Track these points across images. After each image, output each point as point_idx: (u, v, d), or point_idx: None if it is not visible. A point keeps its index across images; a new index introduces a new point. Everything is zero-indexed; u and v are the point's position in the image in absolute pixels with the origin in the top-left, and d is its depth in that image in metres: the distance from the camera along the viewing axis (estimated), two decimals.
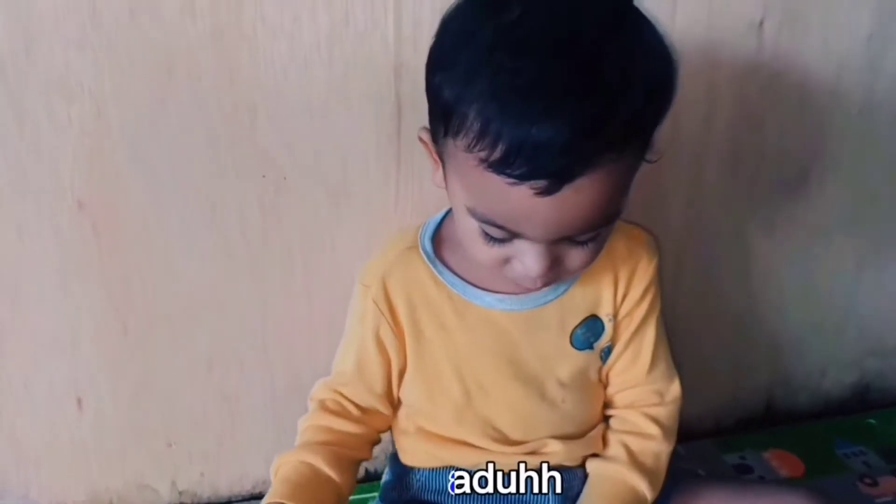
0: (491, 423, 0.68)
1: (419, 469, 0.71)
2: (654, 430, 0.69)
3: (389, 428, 0.73)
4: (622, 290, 0.68)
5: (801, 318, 1.01)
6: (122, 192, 0.75)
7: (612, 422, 0.71)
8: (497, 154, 0.50)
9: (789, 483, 0.69)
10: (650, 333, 0.70)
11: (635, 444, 0.69)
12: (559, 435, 0.68)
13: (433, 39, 0.56)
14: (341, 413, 0.68)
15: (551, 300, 0.67)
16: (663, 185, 0.89)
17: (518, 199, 0.51)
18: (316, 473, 0.64)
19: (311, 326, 0.84)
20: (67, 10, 0.68)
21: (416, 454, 0.71)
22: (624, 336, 0.69)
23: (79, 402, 0.83)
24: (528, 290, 0.65)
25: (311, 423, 0.69)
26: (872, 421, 1.04)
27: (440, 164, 0.60)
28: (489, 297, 0.66)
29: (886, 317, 1.05)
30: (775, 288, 0.99)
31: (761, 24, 0.83)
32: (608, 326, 0.68)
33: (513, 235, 0.56)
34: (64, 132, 0.72)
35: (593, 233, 0.56)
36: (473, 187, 0.54)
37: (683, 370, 0.96)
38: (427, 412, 0.69)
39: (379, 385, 0.69)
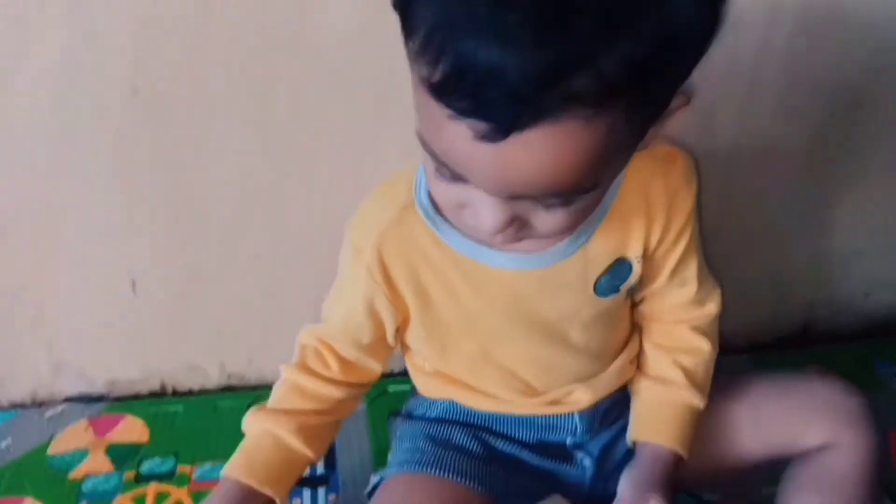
0: (512, 374, 0.65)
1: (440, 399, 0.69)
2: (704, 344, 0.67)
3: (378, 380, 0.69)
4: (658, 232, 0.60)
5: (847, 239, 0.98)
6: (176, 80, 0.75)
7: (657, 335, 0.68)
8: (437, 75, 0.40)
9: (826, 377, 0.68)
10: (693, 260, 0.64)
11: (689, 361, 0.67)
12: (584, 377, 0.66)
13: None
14: (321, 373, 0.65)
15: (571, 253, 0.58)
16: (712, 104, 0.85)
17: (455, 137, 0.41)
18: (281, 447, 0.63)
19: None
20: None
21: (435, 391, 0.69)
22: (666, 270, 0.64)
23: (133, 284, 0.86)
24: (544, 247, 0.58)
25: (288, 379, 0.66)
26: None
27: None
28: (499, 257, 0.58)
29: None
30: (824, 207, 0.96)
31: None
32: (636, 267, 0.61)
33: (457, 178, 0.46)
34: (119, 15, 0.71)
35: (562, 199, 0.46)
36: (419, 108, 0.45)
37: (725, 286, 0.96)
38: (442, 370, 0.67)
39: (367, 339, 0.64)
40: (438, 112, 0.41)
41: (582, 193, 0.46)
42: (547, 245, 0.58)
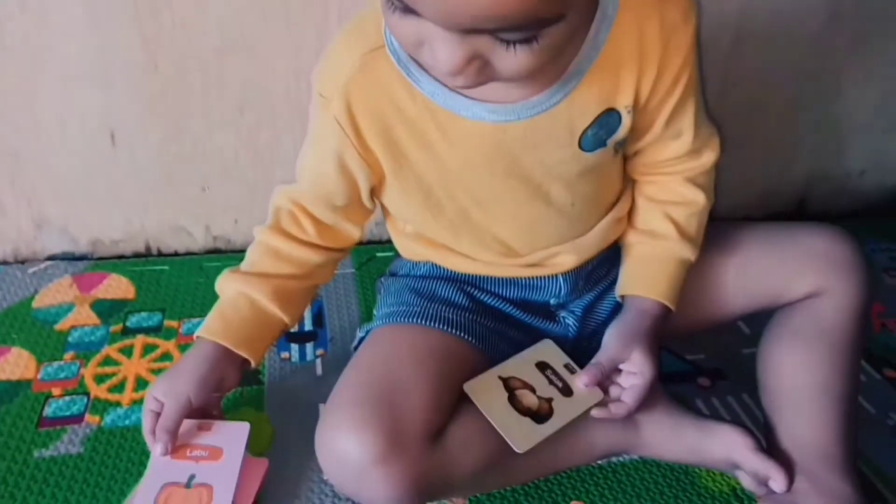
0: (493, 236, 0.62)
1: (422, 262, 0.68)
2: (698, 195, 0.64)
3: (356, 244, 0.66)
4: (651, 78, 0.55)
5: (851, 112, 0.96)
6: None
7: (649, 188, 0.65)
8: None
9: (818, 226, 0.65)
10: (689, 109, 0.59)
11: (682, 214, 0.64)
12: (568, 238, 0.63)
13: None
14: (296, 236, 0.62)
15: (557, 102, 0.54)
16: None
17: None
18: (257, 310, 0.61)
19: None
20: None
21: (416, 253, 0.67)
22: (659, 121, 0.59)
23: (112, 136, 0.82)
24: (527, 95, 0.54)
25: (262, 241, 0.63)
26: None
27: None
28: (478, 108, 0.54)
29: None
30: (830, 80, 0.93)
31: None
32: (626, 119, 0.56)
33: (407, 10, 0.43)
34: None
35: (521, 34, 0.43)
36: None
37: (722, 160, 0.94)
38: (423, 232, 0.64)
39: (341, 202, 0.61)
40: None
41: (543, 27, 0.42)
42: (526, 92, 0.53)
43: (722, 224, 0.67)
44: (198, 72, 0.79)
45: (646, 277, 0.64)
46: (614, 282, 0.66)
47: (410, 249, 0.67)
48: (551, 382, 0.60)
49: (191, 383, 0.59)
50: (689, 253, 0.64)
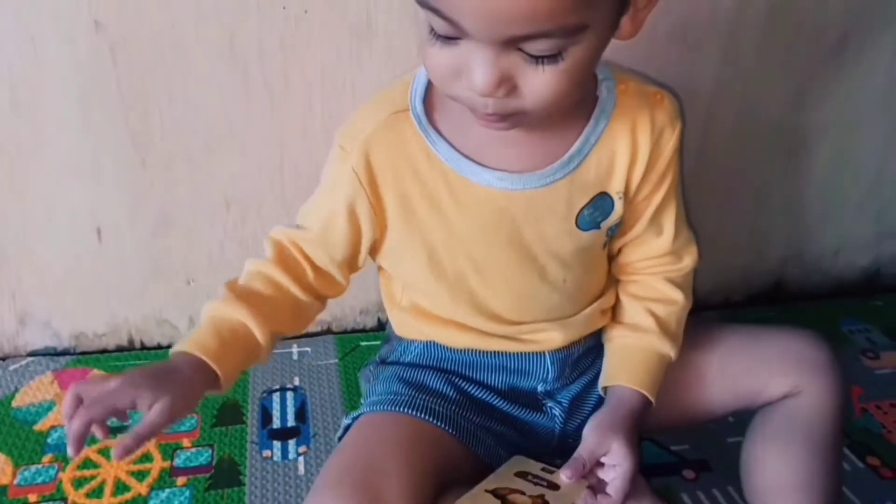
0: (487, 305, 0.63)
1: (414, 341, 0.68)
2: (678, 295, 0.66)
3: (338, 295, 0.66)
4: (641, 168, 0.60)
5: (823, 194, 0.99)
6: (140, 15, 0.72)
7: (632, 287, 0.67)
8: None
9: (795, 329, 0.67)
10: (672, 208, 0.64)
11: (662, 311, 0.65)
12: (557, 317, 0.64)
13: None
14: (294, 274, 0.62)
15: (561, 178, 0.59)
16: (695, 51, 0.85)
17: None
18: (244, 334, 0.58)
19: None
20: None
21: (409, 329, 0.67)
22: (645, 216, 0.63)
23: (98, 232, 0.83)
24: (533, 168, 0.58)
25: (262, 270, 0.62)
26: (880, 303, 1.04)
27: None
28: (488, 175, 0.58)
29: None
30: (800, 161, 0.96)
31: None
32: (618, 205, 0.61)
33: (456, 28, 0.47)
34: None
35: (550, 43, 0.47)
36: None
37: (700, 243, 0.96)
38: (421, 288, 0.65)
39: (340, 254, 0.62)
40: None
41: (573, 35, 0.47)
42: (534, 162, 0.58)
43: (703, 323, 0.68)
44: (185, 168, 0.81)
45: (625, 367, 0.64)
46: (599, 374, 0.66)
47: (405, 323, 0.68)
48: (537, 483, 0.59)
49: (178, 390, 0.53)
50: (668, 349, 0.65)
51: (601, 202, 0.60)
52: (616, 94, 0.59)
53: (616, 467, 0.58)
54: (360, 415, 0.64)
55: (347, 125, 0.60)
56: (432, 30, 0.48)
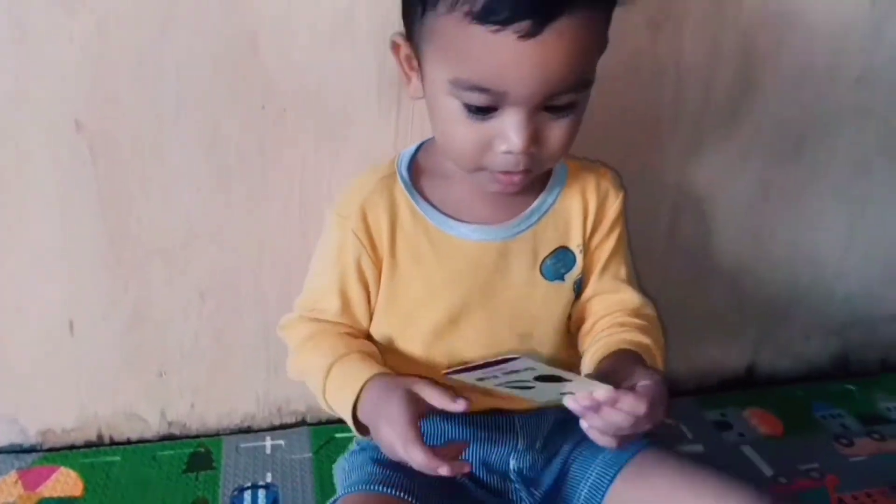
0: (459, 355, 0.68)
1: None
2: (641, 322, 0.71)
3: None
4: (591, 222, 0.70)
5: (790, 283, 1.01)
6: (121, 116, 0.74)
7: (596, 327, 0.71)
8: (480, 3, 0.53)
9: (739, 480, 0.64)
10: (623, 265, 0.73)
11: (626, 321, 0.70)
12: None
13: None
14: (326, 322, 0.69)
15: (524, 230, 0.68)
16: (660, 146, 0.88)
17: (503, 47, 0.53)
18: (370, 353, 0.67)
19: (306, 264, 0.82)
20: None
21: None
22: (597, 266, 0.71)
23: (71, 325, 0.82)
24: (502, 221, 0.67)
25: (316, 332, 0.69)
26: (851, 387, 1.05)
27: (412, 73, 0.62)
28: (464, 228, 0.67)
29: (873, 286, 1.05)
30: (766, 252, 0.99)
31: None
32: (578, 258, 0.70)
33: (496, 99, 0.56)
34: (64, 48, 0.70)
35: (571, 96, 0.57)
36: (458, 51, 0.56)
37: (670, 331, 0.96)
38: (396, 346, 0.70)
39: (364, 323, 0.70)
40: (483, 35, 0.53)
41: (585, 89, 0.59)
42: (505, 214, 0.67)
43: (650, 450, 0.67)
44: (161, 263, 0.81)
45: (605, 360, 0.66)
46: (568, 463, 0.68)
47: None
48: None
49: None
50: (642, 338, 0.68)
51: (563, 254, 0.70)
52: (567, 167, 0.71)
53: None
54: (336, 500, 0.65)
55: (342, 198, 0.69)
56: (468, 109, 0.57)
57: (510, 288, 0.68)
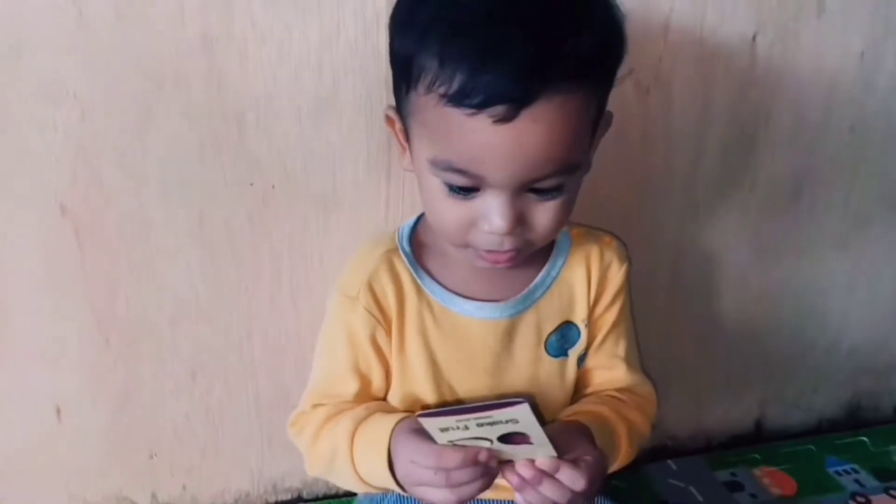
0: None
1: (387, 495, 0.69)
2: (623, 398, 0.70)
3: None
4: (594, 292, 0.68)
5: (793, 337, 1.00)
6: (107, 199, 0.73)
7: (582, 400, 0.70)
8: (455, 86, 0.52)
9: None
10: (623, 340, 0.71)
11: (605, 394, 0.70)
12: None
13: (392, 10, 0.59)
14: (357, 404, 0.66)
15: (529, 307, 0.66)
16: (656, 205, 0.87)
17: (479, 131, 0.52)
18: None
19: (297, 339, 0.82)
20: (55, 13, 0.66)
21: None
22: (597, 339, 0.70)
23: (58, 411, 0.80)
24: (506, 298, 0.66)
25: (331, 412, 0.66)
26: (865, 439, 1.02)
27: (406, 145, 0.61)
28: (468, 305, 0.65)
29: (878, 335, 1.03)
30: (768, 307, 0.97)
31: (754, 38, 0.82)
32: (583, 333, 0.68)
33: (476, 181, 0.55)
34: (49, 136, 0.70)
35: (556, 180, 0.55)
36: (436, 132, 0.55)
37: (676, 388, 0.96)
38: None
39: (378, 383, 0.67)
40: (458, 118, 0.52)
41: (571, 173, 0.56)
42: (509, 290, 0.66)
43: None
44: (150, 342, 0.79)
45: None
46: None
47: None
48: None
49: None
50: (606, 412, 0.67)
51: (567, 330, 0.68)
52: (570, 236, 0.69)
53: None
54: None
55: (344, 277, 0.67)
56: (450, 188, 0.56)
57: (515, 367, 0.67)
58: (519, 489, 0.55)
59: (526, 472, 0.54)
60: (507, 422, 0.51)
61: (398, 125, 0.62)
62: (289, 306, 0.81)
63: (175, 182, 0.74)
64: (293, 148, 0.75)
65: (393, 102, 0.62)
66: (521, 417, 0.51)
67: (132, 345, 0.79)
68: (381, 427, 0.61)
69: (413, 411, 0.66)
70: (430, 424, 0.53)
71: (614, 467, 0.67)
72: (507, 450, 0.54)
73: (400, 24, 0.57)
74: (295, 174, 0.76)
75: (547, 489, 0.54)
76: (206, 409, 0.84)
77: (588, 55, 0.53)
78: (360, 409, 0.64)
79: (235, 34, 0.69)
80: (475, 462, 0.54)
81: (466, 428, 0.52)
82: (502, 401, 0.52)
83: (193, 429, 0.84)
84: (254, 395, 0.84)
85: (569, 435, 0.60)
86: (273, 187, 0.76)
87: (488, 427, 0.52)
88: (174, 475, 0.86)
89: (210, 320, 0.80)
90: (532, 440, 0.53)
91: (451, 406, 0.60)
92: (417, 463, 0.56)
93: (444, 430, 0.53)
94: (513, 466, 0.55)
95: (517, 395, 0.60)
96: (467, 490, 0.54)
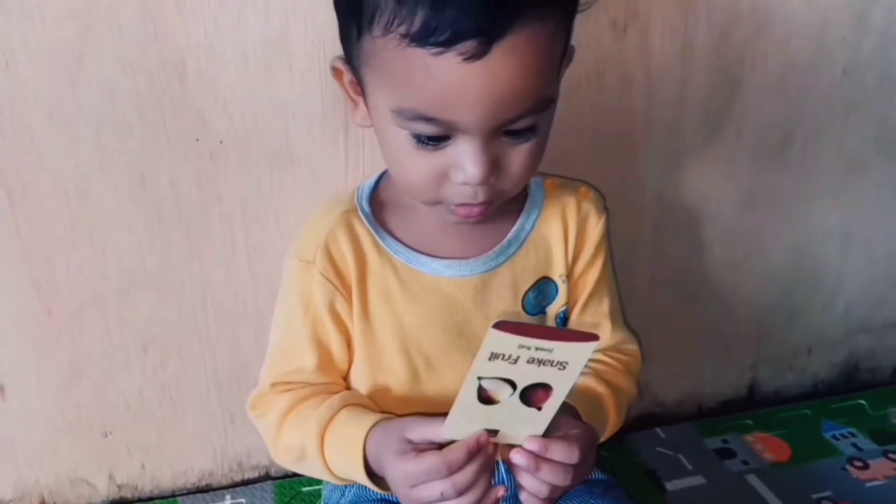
0: (439, 404, 0.61)
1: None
2: (611, 361, 0.69)
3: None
4: (573, 247, 0.66)
5: (786, 294, 0.97)
6: (39, 159, 0.69)
7: None
8: (417, 23, 0.48)
9: None
10: (606, 298, 0.69)
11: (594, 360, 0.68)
12: None
13: None
14: (316, 393, 0.62)
15: (503, 262, 0.63)
16: (637, 157, 0.83)
17: (447, 71, 0.48)
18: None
19: (256, 307, 0.78)
20: None
21: None
22: (581, 298, 0.68)
23: (1, 389, 0.76)
24: (477, 253, 0.63)
25: (296, 399, 0.62)
26: (862, 401, 1.00)
27: (358, 98, 0.57)
28: (436, 264, 0.62)
29: (876, 291, 1.00)
30: (758, 263, 0.94)
31: None
32: (562, 289, 0.66)
33: (447, 128, 0.51)
34: None
35: (531, 119, 0.52)
36: (398, 78, 0.51)
37: (663, 353, 0.93)
38: (371, 395, 0.64)
39: (345, 370, 0.64)
40: (423, 59, 0.48)
41: (543, 110, 0.53)
42: (479, 246, 0.63)
43: None
44: (96, 314, 0.76)
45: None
46: None
47: None
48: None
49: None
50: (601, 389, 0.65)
51: (544, 286, 0.66)
52: (544, 187, 0.67)
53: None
54: None
55: (299, 241, 0.65)
56: (417, 139, 0.53)
57: (489, 325, 0.62)
58: (520, 480, 0.53)
59: (521, 459, 0.52)
60: (558, 363, 0.49)
61: (347, 77, 0.58)
62: (244, 272, 0.77)
63: (111, 140, 0.69)
64: (241, 100, 0.70)
65: (340, 51, 0.58)
66: (577, 359, 0.49)
67: (76, 316, 0.75)
68: (351, 435, 0.58)
69: (378, 404, 0.63)
70: (498, 342, 0.49)
71: (604, 437, 0.64)
72: (505, 423, 0.52)
73: None
74: (244, 129, 0.71)
75: (545, 473, 0.52)
76: (161, 384, 0.80)
77: None
78: (323, 410, 0.60)
79: None
80: (475, 450, 0.51)
81: (518, 359, 0.49)
82: (577, 331, 0.52)
83: (148, 405, 0.81)
84: (212, 369, 0.81)
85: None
86: (221, 142, 0.72)
87: (535, 366, 0.49)
88: (131, 454, 0.83)
89: (160, 289, 0.76)
90: (554, 394, 0.50)
91: (531, 326, 0.55)
92: (419, 483, 0.52)
93: (497, 355, 0.49)
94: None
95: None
96: (476, 493, 0.52)
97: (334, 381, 0.64)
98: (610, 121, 0.80)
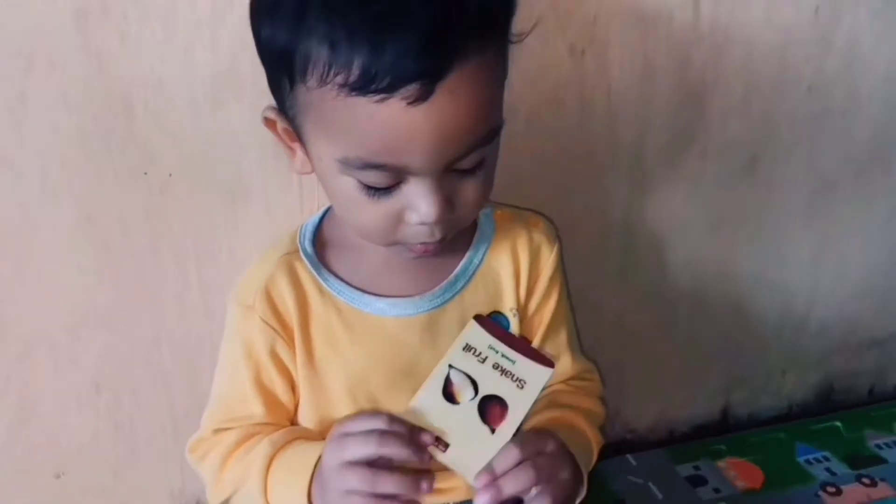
0: None
1: None
2: (583, 390, 0.71)
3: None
4: (525, 282, 0.67)
5: (757, 316, 0.99)
6: None
7: None
8: (356, 71, 0.48)
9: None
10: (563, 331, 0.70)
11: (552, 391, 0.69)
12: None
13: None
14: (265, 431, 0.63)
15: (450, 298, 0.64)
16: (601, 182, 0.86)
17: (392, 118, 0.49)
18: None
19: (211, 343, 0.78)
20: None
21: None
22: (538, 333, 0.69)
23: None
24: (423, 290, 0.64)
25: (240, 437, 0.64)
26: (838, 423, 1.02)
27: (295, 146, 0.59)
28: (381, 303, 0.63)
29: (850, 311, 1.03)
30: (729, 286, 0.96)
31: None
32: (513, 322, 0.66)
33: (397, 174, 0.52)
34: None
35: (480, 153, 0.54)
36: (341, 128, 0.51)
37: (633, 378, 0.95)
38: (319, 435, 0.65)
39: (286, 397, 0.65)
40: (365, 107, 0.49)
41: (491, 141, 0.55)
42: (424, 283, 0.64)
43: None
44: (45, 353, 0.77)
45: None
46: None
47: None
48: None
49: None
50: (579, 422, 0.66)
51: (495, 320, 0.65)
52: (494, 219, 0.68)
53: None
54: None
55: (239, 286, 0.66)
56: (367, 188, 0.53)
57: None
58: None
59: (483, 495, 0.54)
60: (517, 379, 0.53)
61: (281, 125, 0.59)
62: (198, 308, 0.78)
63: (58, 176, 0.71)
64: (190, 134, 0.72)
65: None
66: (534, 381, 0.53)
67: (26, 356, 0.76)
68: (304, 458, 0.59)
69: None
70: (475, 335, 0.54)
71: (596, 450, 0.67)
72: (458, 436, 0.54)
73: (264, 10, 0.53)
74: (194, 162, 0.73)
75: (509, 486, 0.54)
76: (115, 424, 0.81)
77: (490, 5, 0.51)
78: (282, 433, 0.62)
79: (112, 9, 0.66)
80: (414, 441, 0.54)
81: (486, 359, 0.54)
82: (541, 352, 0.57)
83: (102, 446, 0.82)
84: (167, 407, 0.82)
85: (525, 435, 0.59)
86: (170, 175, 0.73)
87: (498, 374, 0.53)
88: (85, 497, 0.83)
89: (111, 327, 0.77)
90: (509, 415, 0.54)
91: (504, 332, 0.61)
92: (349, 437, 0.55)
93: (471, 348, 0.54)
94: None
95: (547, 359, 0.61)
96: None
97: (280, 424, 0.65)
98: (572, 145, 0.83)
